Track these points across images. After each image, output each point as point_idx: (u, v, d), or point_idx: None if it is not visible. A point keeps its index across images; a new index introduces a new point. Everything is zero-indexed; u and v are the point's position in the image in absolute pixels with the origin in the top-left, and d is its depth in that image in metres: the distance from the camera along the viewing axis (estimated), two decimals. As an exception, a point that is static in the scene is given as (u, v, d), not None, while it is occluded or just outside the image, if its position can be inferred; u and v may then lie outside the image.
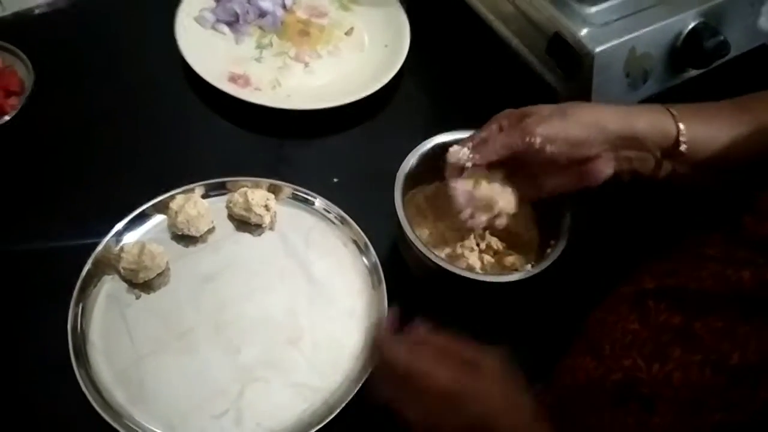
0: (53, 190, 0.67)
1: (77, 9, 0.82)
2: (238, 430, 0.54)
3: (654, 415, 0.40)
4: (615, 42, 0.62)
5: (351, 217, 0.65)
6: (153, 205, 0.65)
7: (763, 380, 0.37)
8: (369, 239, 0.64)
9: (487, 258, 0.60)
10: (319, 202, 0.67)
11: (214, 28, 0.81)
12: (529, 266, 0.59)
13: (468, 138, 0.56)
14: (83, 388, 0.53)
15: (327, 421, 0.54)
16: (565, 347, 0.52)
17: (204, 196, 0.66)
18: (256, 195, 0.64)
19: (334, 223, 0.66)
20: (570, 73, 0.65)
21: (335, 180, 0.69)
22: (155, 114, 0.74)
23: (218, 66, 0.76)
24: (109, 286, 0.61)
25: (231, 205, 0.65)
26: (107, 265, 0.61)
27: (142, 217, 0.64)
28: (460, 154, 0.55)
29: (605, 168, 0.53)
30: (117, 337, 0.58)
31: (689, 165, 0.52)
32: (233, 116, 0.74)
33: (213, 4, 0.82)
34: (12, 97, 0.71)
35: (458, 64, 0.82)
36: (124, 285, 0.61)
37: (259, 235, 0.66)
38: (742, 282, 0.42)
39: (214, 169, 0.68)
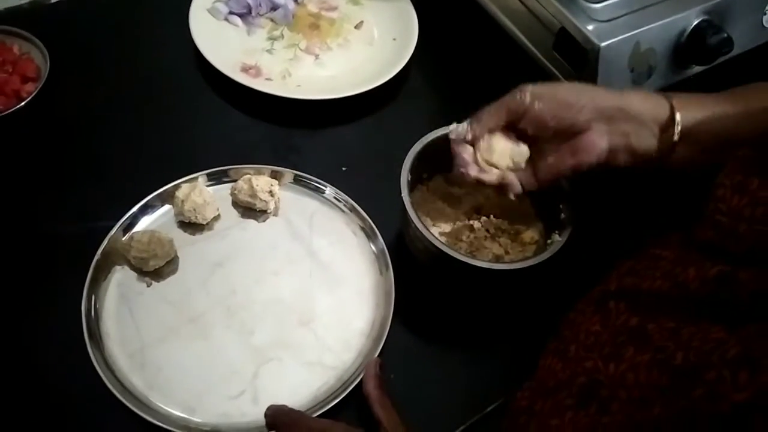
0: (65, 176, 0.69)
1: (93, -1, 0.84)
2: (256, 409, 0.55)
3: (605, 414, 0.41)
4: (620, 37, 0.63)
5: (359, 205, 0.67)
6: (159, 194, 0.66)
7: (699, 380, 0.37)
8: (376, 226, 0.65)
9: (504, 240, 0.61)
10: (328, 190, 0.68)
11: (226, 19, 0.82)
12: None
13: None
14: (101, 375, 0.54)
15: (342, 396, 0.55)
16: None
17: (209, 184, 0.67)
18: (260, 181, 0.65)
19: (341, 210, 0.67)
20: (575, 67, 0.66)
21: (344, 168, 0.71)
22: (168, 103, 0.75)
23: (230, 57, 0.78)
24: (120, 275, 0.62)
25: (236, 192, 0.66)
26: (117, 254, 0.62)
27: (150, 206, 0.65)
28: (459, 128, 0.56)
29: (598, 141, 0.53)
30: (131, 325, 0.59)
31: (687, 144, 0.52)
32: (245, 106, 0.75)
33: (226, -4, 0.84)
34: (28, 83, 0.73)
35: (465, 58, 0.83)
36: (134, 274, 0.62)
37: (265, 221, 0.67)
38: (688, 281, 0.43)
39: (226, 157, 0.69)
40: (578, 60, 0.65)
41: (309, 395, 0.57)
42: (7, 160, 0.69)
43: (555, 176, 0.56)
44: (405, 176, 0.59)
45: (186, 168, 0.67)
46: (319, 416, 0.55)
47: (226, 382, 0.57)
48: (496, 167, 0.56)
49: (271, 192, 0.66)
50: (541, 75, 0.70)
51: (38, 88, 0.72)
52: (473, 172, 0.56)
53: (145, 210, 0.65)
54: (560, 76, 0.68)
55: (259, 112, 0.75)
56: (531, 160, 0.56)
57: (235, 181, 0.67)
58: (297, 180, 0.68)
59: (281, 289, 0.62)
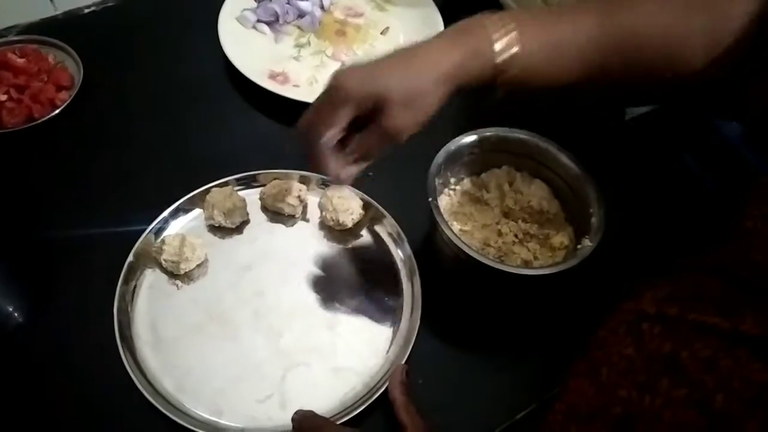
0: (98, 180, 0.70)
1: (125, 9, 0.86)
2: (283, 414, 0.55)
3: None
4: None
5: (385, 210, 0.67)
6: (190, 198, 0.67)
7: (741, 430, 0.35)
8: (403, 231, 0.65)
9: (533, 245, 0.61)
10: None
11: (254, 27, 0.84)
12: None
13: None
14: (132, 377, 0.55)
15: (369, 403, 0.55)
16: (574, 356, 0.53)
17: (238, 189, 0.68)
18: (289, 186, 0.66)
19: (369, 216, 0.67)
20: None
21: (369, 174, 0.71)
22: (198, 109, 0.77)
23: (259, 64, 0.79)
24: (151, 277, 0.63)
25: (264, 197, 0.67)
26: (148, 257, 0.63)
27: (181, 210, 0.67)
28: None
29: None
30: (161, 327, 0.60)
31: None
32: (273, 112, 0.76)
33: (254, 4, 0.85)
34: (62, 91, 0.75)
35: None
36: (165, 276, 0.63)
37: (293, 225, 0.67)
38: (742, 322, 0.40)
39: (255, 162, 0.70)
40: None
41: (336, 400, 0.57)
42: (43, 166, 0.71)
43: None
44: (432, 181, 0.59)
45: (216, 173, 0.68)
46: (346, 423, 0.54)
47: (254, 385, 0.57)
48: None
49: (299, 197, 0.66)
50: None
51: (72, 96, 0.74)
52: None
53: (176, 214, 0.66)
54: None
55: (286, 118, 0.75)
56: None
57: (263, 185, 0.68)
58: (324, 185, 0.69)
59: (308, 293, 0.63)
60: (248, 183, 0.69)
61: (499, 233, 0.62)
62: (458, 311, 0.63)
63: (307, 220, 0.68)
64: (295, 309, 0.62)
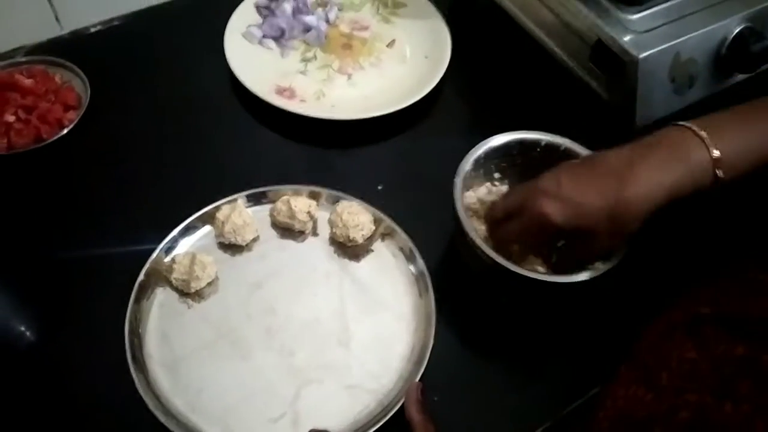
0: (106, 200, 0.70)
1: (130, 27, 0.86)
2: (293, 431, 0.55)
3: None
4: (659, 48, 0.62)
5: (397, 225, 0.66)
6: (200, 216, 0.66)
7: None
8: (415, 245, 0.64)
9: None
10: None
11: (260, 43, 0.83)
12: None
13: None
14: (144, 398, 0.55)
15: (383, 421, 0.54)
16: (610, 364, 0.51)
17: (248, 206, 0.67)
18: (298, 202, 0.66)
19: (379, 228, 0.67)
20: (614, 79, 0.65)
21: (379, 188, 0.71)
22: (205, 126, 0.77)
23: (265, 79, 0.79)
24: (162, 296, 0.62)
25: (275, 213, 0.67)
26: (159, 276, 0.63)
27: (191, 228, 0.66)
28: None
29: None
30: (172, 347, 0.59)
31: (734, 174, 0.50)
32: (280, 127, 0.76)
33: (260, 20, 0.85)
34: (70, 111, 0.75)
35: (499, 73, 0.83)
36: (176, 295, 0.62)
37: (303, 241, 0.67)
38: None
39: (263, 178, 0.69)
40: (617, 72, 0.64)
41: (350, 419, 0.56)
42: (52, 186, 0.71)
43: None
44: (458, 187, 0.59)
45: (225, 190, 0.68)
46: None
47: (266, 404, 0.57)
48: None
49: (309, 213, 0.66)
50: (578, 87, 0.69)
51: (80, 116, 0.74)
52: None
53: (186, 232, 0.66)
54: (599, 90, 0.67)
55: (294, 133, 0.76)
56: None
57: (273, 202, 0.67)
58: (334, 200, 0.68)
59: (320, 309, 0.62)
60: (258, 199, 0.68)
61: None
62: (473, 327, 0.62)
63: (317, 236, 0.67)
64: (306, 326, 0.61)
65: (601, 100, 0.67)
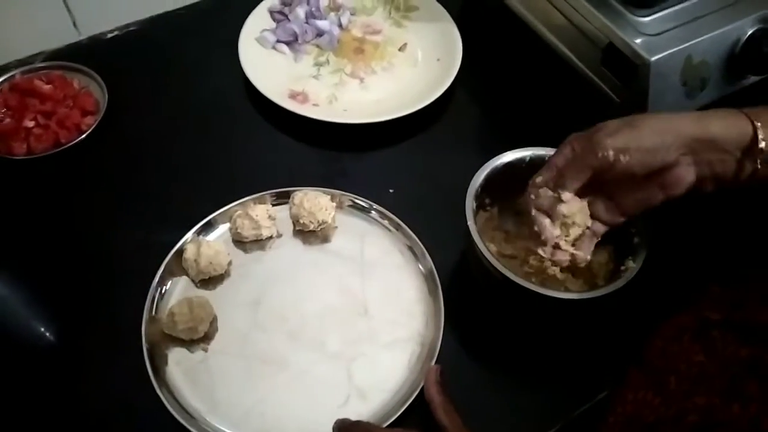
0: (124, 202, 0.71)
1: (147, 33, 0.87)
2: (367, 406, 0.57)
3: None
4: (671, 51, 0.62)
5: (407, 226, 0.67)
6: (217, 216, 0.68)
7: None
8: (425, 246, 0.65)
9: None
10: (375, 211, 0.69)
11: (274, 48, 0.84)
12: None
13: (544, 170, 0.55)
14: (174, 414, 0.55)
15: (435, 358, 0.58)
16: (619, 367, 0.51)
17: (265, 205, 0.68)
18: (257, 211, 0.66)
19: (390, 230, 0.68)
20: (626, 83, 0.65)
21: (391, 191, 0.71)
22: (220, 131, 0.78)
23: (279, 84, 0.79)
24: (175, 355, 0.60)
25: (238, 230, 0.66)
26: (161, 336, 0.60)
27: (208, 226, 0.67)
28: (545, 199, 0.55)
29: (686, 175, 0.51)
30: (212, 395, 0.58)
31: None
32: (293, 131, 0.77)
33: (273, 25, 0.86)
34: (88, 116, 0.76)
35: (510, 76, 0.83)
36: (185, 349, 0.60)
37: (272, 246, 0.68)
38: None
39: (276, 181, 0.70)
40: (628, 75, 0.64)
41: (405, 368, 0.59)
42: (71, 191, 0.72)
43: (644, 210, 0.55)
44: (470, 204, 0.58)
45: (239, 192, 0.69)
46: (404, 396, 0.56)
47: (329, 396, 0.58)
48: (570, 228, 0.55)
49: (270, 216, 0.67)
50: (590, 90, 0.69)
51: (97, 121, 0.75)
52: (548, 254, 0.56)
53: (202, 231, 0.67)
54: (610, 92, 0.67)
55: (307, 137, 0.77)
56: (610, 196, 0.55)
57: (292, 202, 0.68)
58: (354, 204, 0.69)
59: (325, 295, 0.64)
60: (278, 199, 0.69)
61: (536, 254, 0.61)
62: (483, 328, 0.62)
63: (281, 236, 0.68)
64: (322, 315, 0.63)
65: (612, 103, 0.67)
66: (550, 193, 0.55)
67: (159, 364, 0.59)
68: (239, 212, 0.67)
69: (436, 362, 0.58)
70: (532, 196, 0.55)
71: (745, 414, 0.38)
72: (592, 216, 0.56)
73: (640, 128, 0.50)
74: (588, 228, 0.56)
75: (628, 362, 0.49)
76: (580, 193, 0.54)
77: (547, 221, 0.55)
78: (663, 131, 0.50)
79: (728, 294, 0.47)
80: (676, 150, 0.50)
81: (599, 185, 0.53)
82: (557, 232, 0.55)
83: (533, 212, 0.55)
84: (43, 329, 0.63)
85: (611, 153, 0.50)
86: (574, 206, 0.54)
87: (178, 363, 0.60)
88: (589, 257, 0.56)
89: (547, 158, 0.57)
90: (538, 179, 0.55)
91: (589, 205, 0.55)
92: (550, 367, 0.61)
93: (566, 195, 0.54)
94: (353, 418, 0.55)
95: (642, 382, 0.47)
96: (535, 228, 0.56)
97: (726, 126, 0.50)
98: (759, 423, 0.38)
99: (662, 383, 0.45)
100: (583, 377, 0.59)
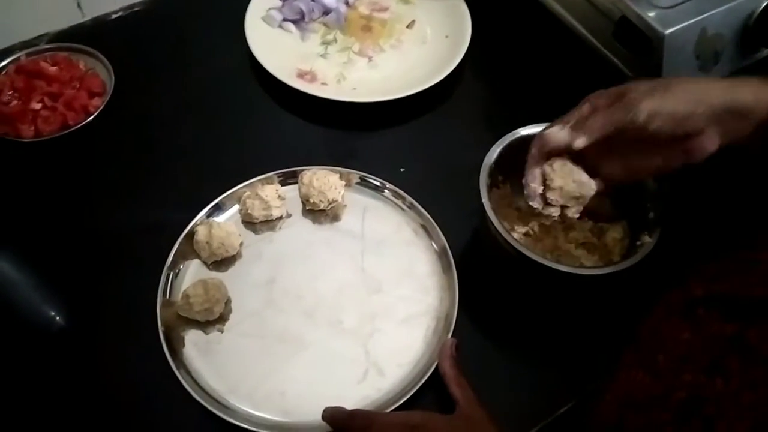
0: (133, 184, 0.71)
1: (152, 12, 0.86)
2: (387, 381, 0.58)
3: None
4: (685, 24, 0.61)
5: (422, 206, 0.67)
6: (226, 196, 0.67)
7: None
8: (437, 224, 0.65)
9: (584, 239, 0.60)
10: (387, 189, 0.68)
11: (281, 26, 0.84)
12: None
13: (561, 119, 0.54)
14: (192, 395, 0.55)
15: (450, 333, 0.59)
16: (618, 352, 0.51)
17: (274, 185, 0.68)
18: (266, 191, 0.66)
19: (402, 208, 0.68)
20: (639, 56, 0.64)
21: (402, 169, 0.71)
22: (228, 111, 0.77)
23: (286, 63, 0.79)
24: (191, 336, 0.60)
25: (248, 211, 0.66)
26: (177, 318, 0.60)
27: (218, 208, 0.67)
28: (559, 135, 0.53)
29: (710, 144, 0.50)
30: (231, 376, 0.58)
31: None
32: (302, 111, 0.76)
33: (279, 3, 0.85)
34: (95, 98, 0.76)
35: (520, 52, 0.82)
36: (200, 331, 0.60)
37: (283, 225, 0.67)
38: None
39: (285, 161, 0.70)
40: (641, 49, 0.63)
41: (422, 342, 0.60)
42: (79, 172, 0.72)
43: (655, 174, 0.54)
44: (484, 180, 0.58)
45: (248, 172, 0.69)
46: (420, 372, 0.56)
47: (347, 372, 0.59)
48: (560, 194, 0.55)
49: (279, 196, 0.66)
50: (602, 65, 0.68)
51: (105, 102, 0.75)
52: (537, 204, 0.56)
53: (212, 212, 0.67)
54: (622, 66, 0.66)
55: (315, 117, 0.76)
56: (622, 156, 0.54)
57: (301, 181, 0.67)
58: (363, 181, 0.69)
59: (339, 274, 0.64)
60: (286, 179, 0.69)
61: (549, 230, 0.60)
62: (497, 305, 0.62)
63: (291, 216, 0.68)
64: (337, 293, 0.63)
65: (624, 78, 0.66)
66: (566, 133, 0.53)
67: (176, 347, 0.59)
68: (248, 193, 0.66)
69: (451, 336, 0.58)
70: (548, 143, 0.54)
71: (728, 389, 0.39)
72: (596, 174, 0.55)
73: (674, 93, 0.49)
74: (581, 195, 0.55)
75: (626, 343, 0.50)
76: (592, 147, 0.53)
77: (537, 171, 0.55)
78: (696, 101, 0.49)
79: (709, 269, 0.47)
80: (706, 120, 0.49)
81: (613, 144, 0.52)
82: (540, 189, 0.55)
83: (528, 163, 0.55)
84: (53, 313, 0.63)
85: (643, 116, 0.49)
86: (569, 175, 0.54)
87: (195, 345, 0.60)
88: (577, 215, 0.56)
89: None
90: (553, 128, 0.54)
91: (597, 161, 0.54)
92: (564, 343, 0.61)
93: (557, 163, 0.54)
94: (373, 391, 0.55)
95: (633, 361, 0.47)
96: (523, 181, 0.56)
97: (756, 96, 0.49)
98: (740, 397, 0.38)
99: (652, 362, 0.45)
100: (597, 354, 0.59)
